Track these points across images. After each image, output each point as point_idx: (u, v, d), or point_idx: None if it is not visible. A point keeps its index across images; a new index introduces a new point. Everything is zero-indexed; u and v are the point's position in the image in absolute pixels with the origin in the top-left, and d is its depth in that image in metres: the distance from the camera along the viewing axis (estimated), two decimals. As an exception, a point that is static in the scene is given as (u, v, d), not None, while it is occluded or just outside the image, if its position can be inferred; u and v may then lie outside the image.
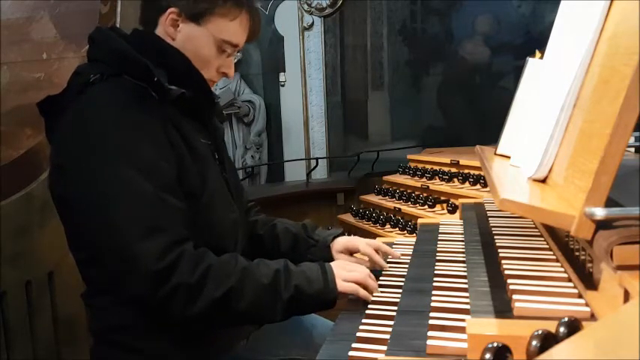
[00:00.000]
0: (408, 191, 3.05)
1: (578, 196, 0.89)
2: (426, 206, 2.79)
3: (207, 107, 1.52)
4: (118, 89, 1.37)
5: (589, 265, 0.98)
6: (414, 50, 4.72)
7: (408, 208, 2.92)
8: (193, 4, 1.43)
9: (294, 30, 4.09)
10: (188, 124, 1.44)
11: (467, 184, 2.69)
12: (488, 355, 0.74)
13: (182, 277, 1.27)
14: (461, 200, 2.07)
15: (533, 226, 1.47)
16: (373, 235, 2.89)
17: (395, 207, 3.03)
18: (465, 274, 1.26)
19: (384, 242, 1.84)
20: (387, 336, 1.13)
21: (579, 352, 0.53)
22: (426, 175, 3.00)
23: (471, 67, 4.58)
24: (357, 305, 1.38)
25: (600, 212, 0.84)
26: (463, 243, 1.52)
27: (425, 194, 2.88)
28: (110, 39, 1.43)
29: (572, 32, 1.19)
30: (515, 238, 1.38)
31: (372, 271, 1.50)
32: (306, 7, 4.06)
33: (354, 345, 1.16)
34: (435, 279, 1.32)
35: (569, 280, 1.05)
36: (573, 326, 0.74)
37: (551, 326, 0.75)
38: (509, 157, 1.52)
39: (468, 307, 1.06)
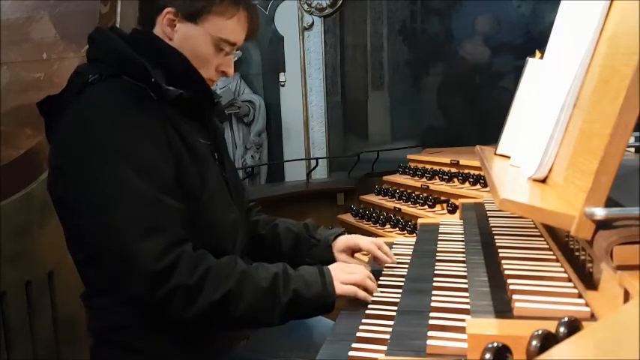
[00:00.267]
0: (408, 191, 3.05)
1: (578, 196, 0.89)
2: (426, 206, 2.79)
3: (207, 107, 1.52)
4: (116, 90, 1.37)
5: (589, 265, 0.98)
6: (414, 50, 4.72)
7: (408, 208, 2.92)
8: (190, 3, 1.43)
9: (294, 30, 4.10)
10: (187, 124, 1.44)
11: (467, 184, 2.69)
12: (488, 355, 0.74)
13: (181, 278, 1.27)
14: (461, 200, 2.07)
15: (533, 226, 1.47)
16: (373, 236, 2.88)
17: (395, 207, 3.03)
18: (465, 274, 1.26)
19: (383, 242, 1.85)
20: (387, 336, 1.12)
21: (579, 352, 0.53)
22: (426, 175, 3.00)
23: (471, 67, 4.58)
24: (357, 305, 1.38)
25: (600, 212, 0.84)
26: (463, 243, 1.52)
27: (425, 194, 2.88)
28: (109, 39, 1.43)
29: (572, 32, 1.19)
30: (515, 238, 1.38)
31: (372, 271, 1.50)
32: (306, 7, 4.06)
33: (354, 345, 1.16)
34: (435, 279, 1.32)
35: (569, 280, 1.05)
36: (573, 326, 0.74)
37: (551, 326, 0.75)
38: (509, 157, 1.52)
39: (468, 307, 1.06)
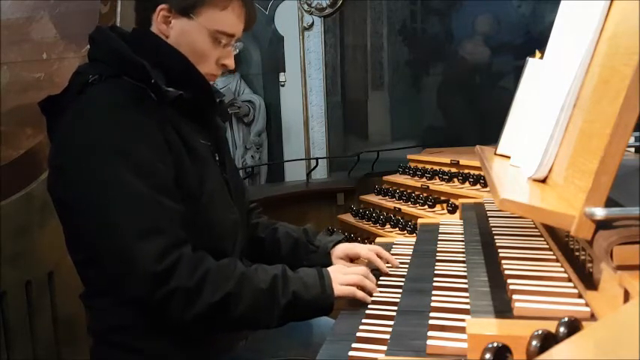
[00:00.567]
0: (408, 191, 3.05)
1: (578, 196, 0.89)
2: (426, 206, 2.79)
3: (208, 107, 1.51)
4: (117, 90, 1.36)
5: (589, 265, 0.98)
6: (414, 50, 4.72)
7: (408, 208, 2.92)
8: None
9: (294, 30, 4.10)
10: (187, 125, 1.43)
11: (467, 184, 2.69)
12: (488, 355, 0.74)
13: (180, 280, 1.27)
14: (461, 200, 2.07)
15: (533, 226, 1.47)
16: (373, 235, 2.89)
17: (395, 207, 3.03)
18: (465, 274, 1.26)
19: (384, 242, 1.85)
20: (387, 336, 1.13)
21: (579, 352, 0.53)
22: (426, 175, 3.00)
23: (471, 67, 4.58)
24: (357, 305, 1.38)
25: (600, 212, 0.84)
26: (463, 243, 1.52)
27: (425, 194, 2.88)
28: (110, 39, 1.42)
29: (572, 32, 1.19)
30: (515, 238, 1.38)
31: (372, 271, 1.50)
32: (306, 7, 4.06)
33: (354, 345, 1.16)
34: (435, 279, 1.32)
35: (569, 280, 1.05)
36: (573, 326, 0.74)
37: (551, 326, 0.75)
38: (509, 157, 1.52)
39: (468, 307, 1.06)
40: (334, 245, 1.68)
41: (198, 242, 1.36)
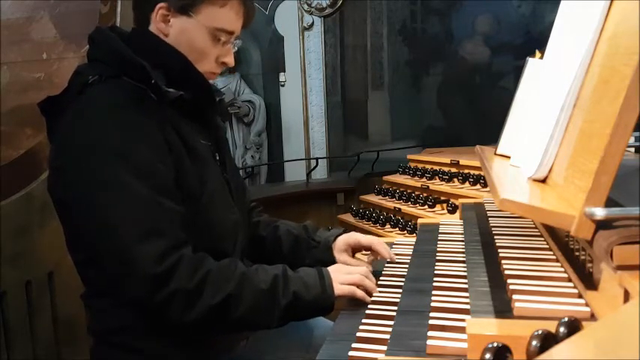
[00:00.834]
0: (408, 191, 3.05)
1: (578, 196, 0.89)
2: (426, 206, 2.79)
3: (208, 107, 1.51)
4: (116, 91, 1.36)
5: (589, 265, 0.98)
6: (414, 50, 4.71)
7: (408, 208, 2.92)
8: None
9: (294, 30, 4.10)
10: (188, 125, 1.43)
11: (467, 184, 2.69)
12: (488, 355, 0.74)
13: (180, 282, 1.27)
14: (461, 200, 2.07)
15: (533, 226, 1.47)
16: (373, 235, 2.88)
17: (395, 207, 3.03)
18: (465, 274, 1.26)
19: (383, 242, 1.85)
20: (387, 336, 1.12)
21: (579, 352, 0.53)
22: (426, 175, 3.00)
23: (471, 67, 4.58)
24: (357, 305, 1.38)
25: (600, 212, 0.84)
26: (463, 243, 1.52)
27: (425, 194, 2.88)
28: (109, 39, 1.42)
29: (572, 32, 1.19)
30: (515, 238, 1.38)
31: (372, 272, 1.50)
32: (306, 7, 4.06)
33: (354, 345, 1.16)
34: (435, 279, 1.32)
35: (569, 280, 1.05)
36: (573, 326, 0.74)
37: (551, 326, 0.75)
38: (509, 157, 1.52)
39: (468, 307, 1.06)
40: (335, 239, 1.68)
41: (199, 243, 1.36)
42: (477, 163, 2.48)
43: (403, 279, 1.45)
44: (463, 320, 0.96)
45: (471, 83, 4.63)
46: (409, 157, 3.35)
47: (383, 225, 2.97)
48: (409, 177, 3.16)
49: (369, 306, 1.36)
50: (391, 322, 1.20)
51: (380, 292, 1.42)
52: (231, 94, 4.04)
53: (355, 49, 4.58)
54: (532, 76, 1.70)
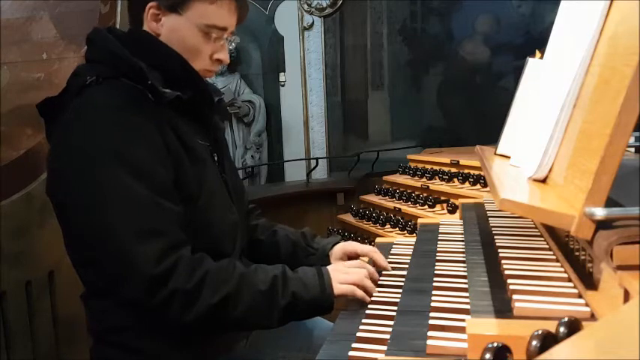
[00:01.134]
0: (408, 191, 3.05)
1: (578, 196, 0.89)
2: (426, 206, 2.79)
3: (206, 107, 1.51)
4: (114, 92, 1.36)
5: (589, 265, 0.98)
6: (414, 50, 4.71)
7: (408, 208, 2.92)
8: None
9: (294, 30, 4.10)
10: (186, 125, 1.43)
11: (467, 184, 2.70)
12: (488, 355, 0.74)
13: (179, 282, 1.27)
14: (461, 200, 2.07)
15: (533, 226, 1.47)
16: (373, 235, 2.89)
17: (395, 207, 3.03)
18: (465, 274, 1.26)
19: (384, 242, 1.85)
20: (387, 336, 1.13)
21: (579, 352, 0.53)
22: (426, 175, 3.00)
23: (471, 67, 4.58)
24: (358, 305, 1.38)
25: (600, 212, 0.84)
26: (463, 243, 1.52)
27: (425, 194, 2.88)
28: (107, 40, 1.42)
29: (572, 32, 1.19)
30: (515, 238, 1.38)
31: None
32: (306, 7, 4.06)
33: (354, 345, 1.16)
34: (435, 279, 1.32)
35: (569, 280, 1.05)
36: (573, 326, 0.74)
37: (551, 326, 0.75)
38: (509, 157, 1.52)
39: (468, 307, 1.06)
40: (332, 247, 1.68)
41: (198, 243, 1.36)
42: (477, 163, 2.48)
43: (403, 279, 1.45)
44: (463, 320, 0.96)
45: (471, 83, 4.63)
46: (409, 157, 3.35)
47: (383, 225, 2.97)
48: (409, 177, 3.17)
49: (369, 306, 1.36)
50: (391, 322, 1.20)
51: (380, 292, 1.42)
52: (231, 94, 4.04)
53: (355, 49, 4.58)
54: (532, 76, 1.69)
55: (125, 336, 1.39)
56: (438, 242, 1.62)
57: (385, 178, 3.39)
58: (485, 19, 4.50)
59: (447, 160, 2.97)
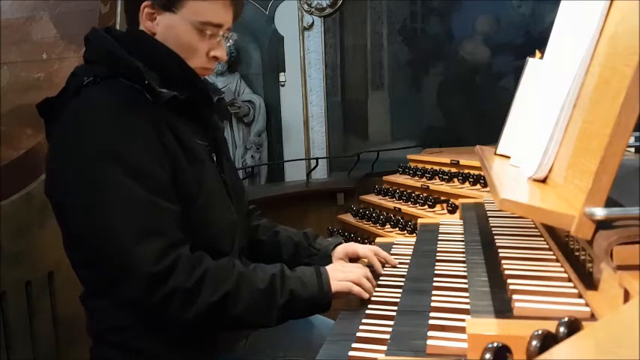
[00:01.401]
0: (408, 191, 3.05)
1: (578, 196, 0.89)
2: (426, 206, 2.79)
3: (204, 107, 1.50)
4: (112, 92, 1.36)
5: (589, 265, 0.98)
6: (414, 50, 4.71)
7: (408, 208, 2.92)
8: None
9: (294, 30, 4.10)
10: (184, 125, 1.43)
11: (467, 184, 2.69)
12: (488, 355, 0.74)
13: (178, 281, 1.27)
14: (461, 200, 2.07)
15: (533, 226, 1.47)
16: (373, 235, 2.89)
17: (395, 207, 3.03)
18: (465, 274, 1.26)
19: (384, 242, 1.85)
20: (387, 336, 1.13)
21: (579, 352, 0.53)
22: (426, 175, 3.00)
23: (470, 67, 4.58)
24: (357, 305, 1.38)
25: (600, 212, 0.84)
26: (463, 243, 1.52)
27: (425, 194, 2.88)
28: (104, 41, 1.42)
29: (572, 32, 1.19)
30: (515, 238, 1.38)
31: (370, 271, 1.50)
32: (306, 7, 4.06)
33: (354, 345, 1.16)
34: (435, 279, 1.32)
35: (569, 280, 1.05)
36: (573, 326, 0.74)
37: (551, 326, 0.75)
38: (509, 157, 1.52)
39: (468, 307, 1.06)
40: (334, 248, 1.69)
41: (197, 242, 1.36)
42: (477, 163, 2.48)
43: (403, 279, 1.45)
44: (463, 320, 0.96)
45: (471, 83, 4.62)
46: (409, 157, 3.35)
47: (383, 225, 2.97)
48: (409, 177, 3.16)
49: (369, 306, 1.36)
50: (391, 322, 1.20)
51: (380, 292, 1.43)
52: (231, 94, 4.04)
53: (355, 49, 4.58)
54: (532, 76, 1.69)
55: (125, 336, 1.39)
56: (438, 242, 1.63)
57: (385, 178, 3.39)
58: (485, 19, 4.50)
59: (447, 160, 2.97)
